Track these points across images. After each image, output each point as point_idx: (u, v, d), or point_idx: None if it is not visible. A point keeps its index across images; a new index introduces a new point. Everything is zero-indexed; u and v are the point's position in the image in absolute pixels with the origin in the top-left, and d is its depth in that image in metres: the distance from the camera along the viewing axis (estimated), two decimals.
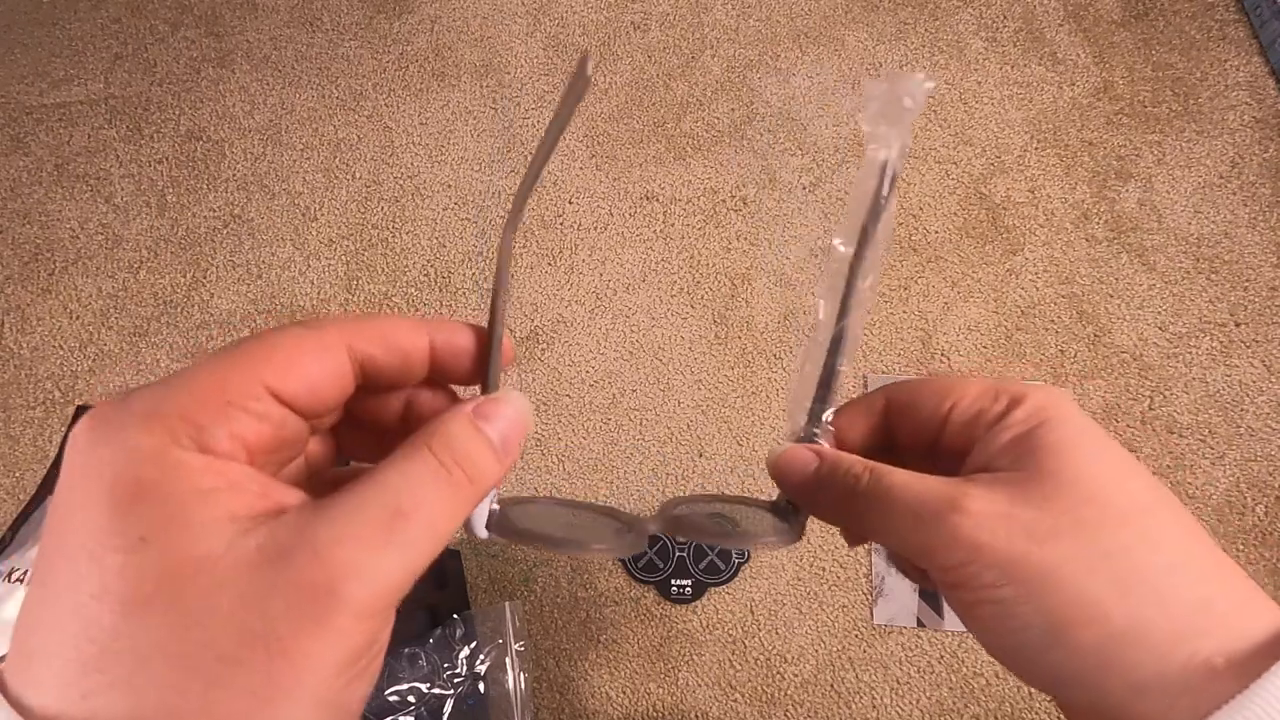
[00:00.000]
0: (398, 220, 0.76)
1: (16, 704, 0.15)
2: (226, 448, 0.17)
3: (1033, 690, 0.56)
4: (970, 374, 0.24)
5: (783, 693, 0.57)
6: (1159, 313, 0.67)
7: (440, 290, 0.72)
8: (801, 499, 0.26)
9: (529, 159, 0.78)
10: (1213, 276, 0.68)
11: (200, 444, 0.16)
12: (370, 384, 0.21)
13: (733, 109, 0.79)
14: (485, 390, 0.23)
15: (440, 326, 0.22)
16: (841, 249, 0.24)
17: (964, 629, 0.57)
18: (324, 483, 0.22)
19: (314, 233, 0.76)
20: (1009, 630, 0.20)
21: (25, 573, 0.59)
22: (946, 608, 0.58)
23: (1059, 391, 0.23)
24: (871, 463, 0.23)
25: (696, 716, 0.57)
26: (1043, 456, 0.21)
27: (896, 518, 0.22)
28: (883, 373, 0.66)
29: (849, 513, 0.24)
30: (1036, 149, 0.75)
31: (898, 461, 0.23)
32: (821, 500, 0.25)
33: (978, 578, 0.20)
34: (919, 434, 0.25)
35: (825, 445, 0.26)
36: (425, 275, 0.73)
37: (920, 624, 0.58)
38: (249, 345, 0.18)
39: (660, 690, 0.57)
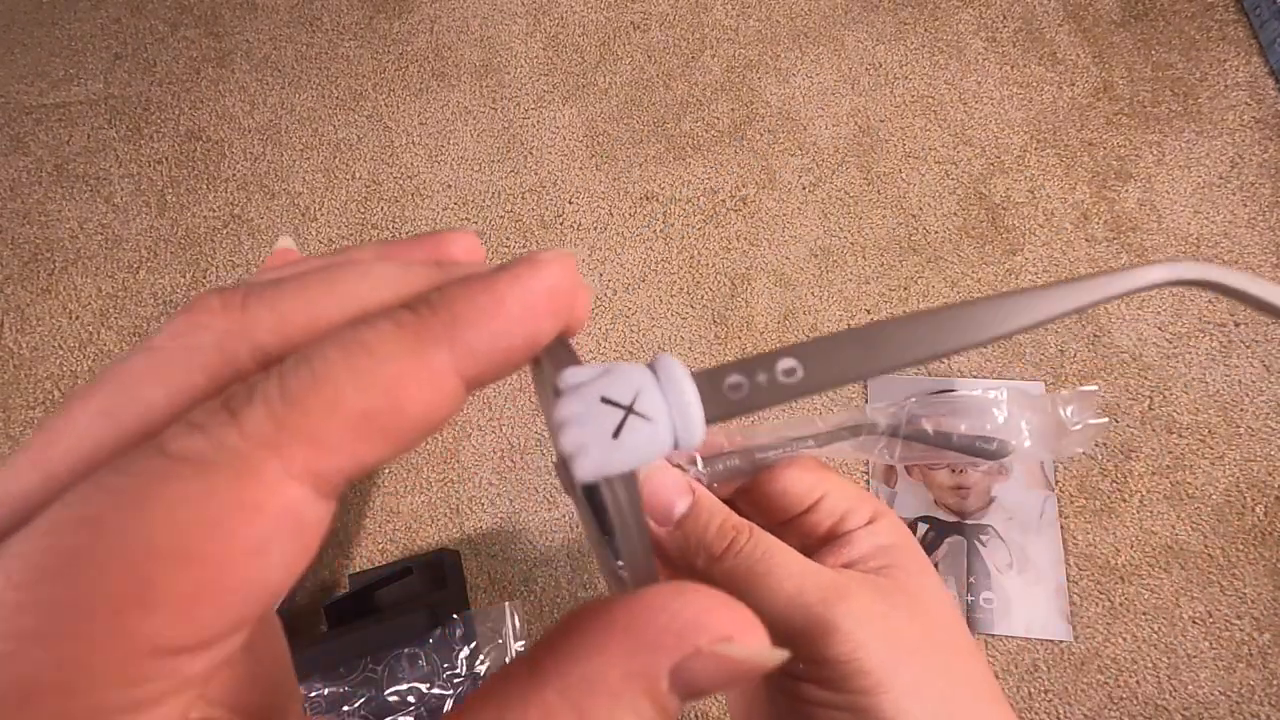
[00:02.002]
0: (398, 220, 0.76)
1: None
2: None
3: (1032, 691, 0.56)
4: (830, 468, 0.23)
5: None
6: (1159, 313, 0.67)
7: None
8: (655, 539, 0.22)
9: (528, 160, 0.78)
10: None
11: None
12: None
13: (733, 109, 0.79)
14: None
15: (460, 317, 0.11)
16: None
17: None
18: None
19: (314, 233, 0.76)
20: None
21: None
22: None
23: (900, 520, 0.23)
24: (748, 521, 0.21)
25: (697, 716, 0.57)
26: (903, 575, 0.21)
27: (774, 589, 0.20)
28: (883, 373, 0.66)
29: (713, 572, 0.21)
30: (1036, 149, 0.74)
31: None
32: (681, 548, 0.21)
33: (850, 680, 0.19)
34: (774, 508, 0.23)
35: (698, 483, 0.22)
36: None
37: None
38: (79, 561, 0.08)
39: None
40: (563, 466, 0.18)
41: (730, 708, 0.24)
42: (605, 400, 0.11)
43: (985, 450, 0.23)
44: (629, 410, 0.11)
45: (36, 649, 0.08)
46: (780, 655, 0.11)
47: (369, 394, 0.10)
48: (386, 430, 0.10)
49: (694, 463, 0.23)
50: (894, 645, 0.19)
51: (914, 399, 0.24)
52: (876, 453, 0.24)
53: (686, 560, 0.21)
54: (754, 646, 0.11)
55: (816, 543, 0.22)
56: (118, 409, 0.10)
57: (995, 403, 0.24)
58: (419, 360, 0.10)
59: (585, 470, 0.11)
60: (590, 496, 0.17)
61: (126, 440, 0.10)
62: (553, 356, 0.12)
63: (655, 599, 0.11)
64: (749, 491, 0.24)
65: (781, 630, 0.20)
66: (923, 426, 0.24)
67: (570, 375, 0.11)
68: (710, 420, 0.12)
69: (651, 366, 0.12)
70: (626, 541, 0.12)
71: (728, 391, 0.12)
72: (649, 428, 0.11)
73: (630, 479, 0.11)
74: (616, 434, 0.11)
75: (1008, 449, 0.23)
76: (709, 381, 0.12)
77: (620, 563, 0.13)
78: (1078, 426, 0.23)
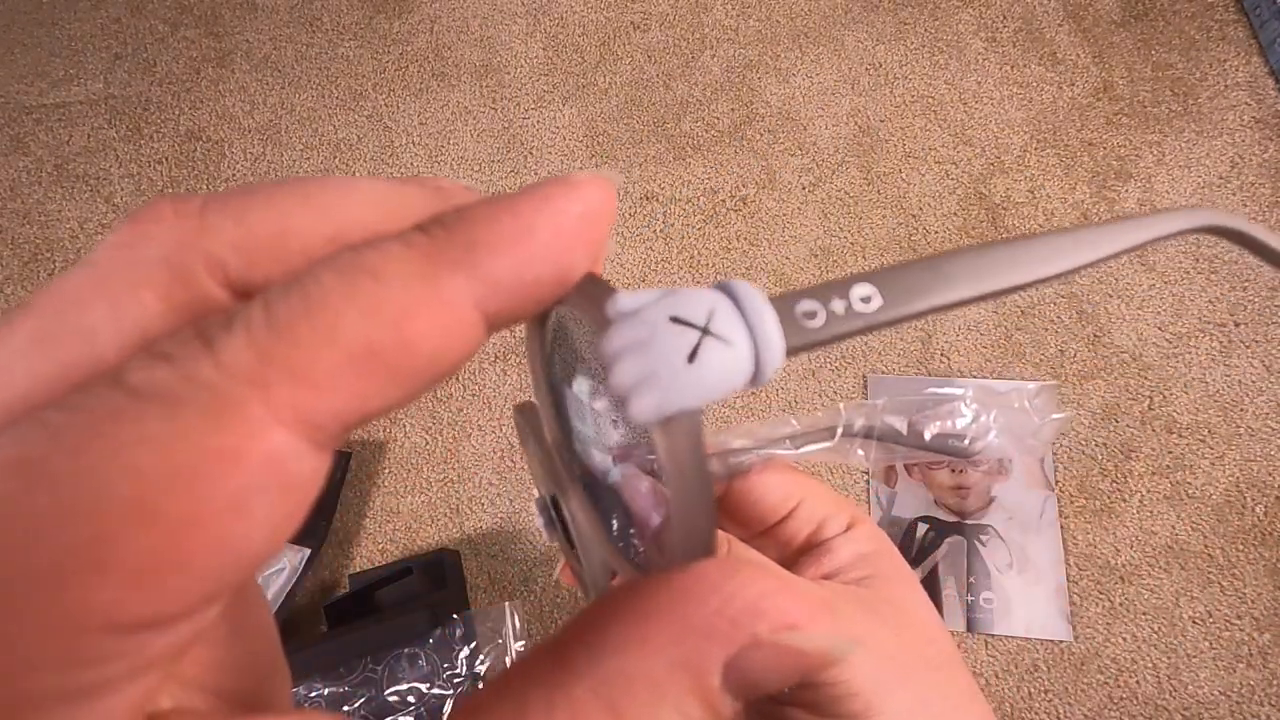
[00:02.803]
0: None
1: None
2: None
3: (1032, 691, 0.56)
4: (804, 473, 0.22)
5: None
6: (1159, 313, 0.67)
7: None
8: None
9: (528, 160, 0.78)
10: (1212, 276, 0.68)
11: None
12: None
13: (733, 109, 0.79)
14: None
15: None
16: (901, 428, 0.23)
17: (962, 629, 0.58)
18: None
19: None
20: None
21: None
22: (945, 606, 0.58)
23: (878, 527, 0.22)
24: (727, 535, 0.20)
25: None
26: (887, 585, 0.20)
27: None
28: (883, 373, 0.66)
29: None
30: (1036, 149, 0.75)
31: None
32: (655, 563, 0.20)
33: (840, 703, 0.17)
34: (750, 518, 0.22)
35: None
36: None
37: None
38: (52, 510, 0.07)
39: None
40: (551, 473, 0.16)
41: None
42: (676, 320, 0.09)
43: (956, 449, 0.23)
44: (705, 331, 0.09)
45: None
46: (851, 647, 0.10)
47: (373, 324, 0.08)
48: (393, 369, 0.08)
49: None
50: (883, 665, 0.18)
51: (885, 399, 0.24)
52: (851, 455, 0.24)
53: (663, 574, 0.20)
54: (823, 636, 0.09)
55: (795, 553, 0.21)
56: (54, 335, 0.08)
57: (962, 400, 0.23)
58: (433, 287, 0.08)
59: (649, 405, 0.09)
60: (592, 488, 0.15)
61: (68, 373, 0.08)
62: (584, 293, 0.10)
63: (707, 577, 0.09)
64: (724, 500, 0.22)
65: None
66: (895, 427, 0.23)
67: (625, 299, 0.10)
68: (790, 351, 0.10)
69: (722, 288, 0.10)
70: (684, 504, 0.10)
71: (801, 319, 0.11)
72: (728, 352, 0.09)
73: (698, 419, 0.10)
74: (692, 358, 0.09)
75: (975, 448, 0.23)
76: (784, 306, 0.11)
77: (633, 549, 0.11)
78: (1045, 422, 0.23)
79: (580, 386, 0.15)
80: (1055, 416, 0.23)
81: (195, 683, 0.10)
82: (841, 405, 0.23)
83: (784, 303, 0.11)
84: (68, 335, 0.08)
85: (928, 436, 0.23)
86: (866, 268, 0.74)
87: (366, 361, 0.08)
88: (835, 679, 0.17)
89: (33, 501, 0.07)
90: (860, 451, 0.23)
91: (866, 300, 0.11)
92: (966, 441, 0.23)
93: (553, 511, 0.18)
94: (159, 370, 0.07)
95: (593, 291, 0.10)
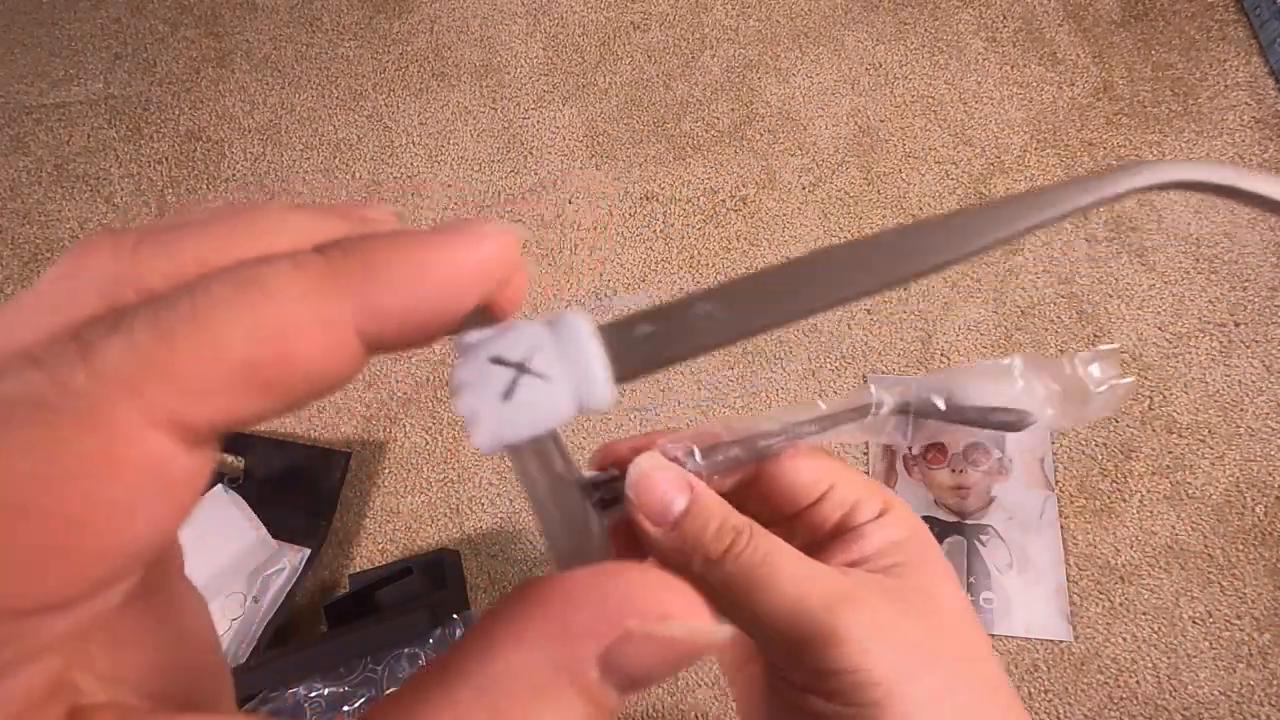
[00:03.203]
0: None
1: None
2: None
3: (1032, 691, 0.56)
4: (837, 458, 0.22)
5: None
6: (1159, 313, 0.67)
7: None
8: (652, 540, 0.20)
9: (528, 160, 0.78)
10: (1212, 276, 0.68)
11: None
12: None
13: (733, 109, 0.79)
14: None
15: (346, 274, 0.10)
16: (939, 404, 0.21)
17: None
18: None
19: None
20: None
21: None
22: None
23: (912, 511, 0.22)
24: (750, 520, 0.20)
25: (696, 716, 0.57)
26: (916, 573, 0.20)
27: (775, 596, 0.18)
28: (883, 372, 0.66)
29: (711, 576, 0.19)
30: (1036, 149, 0.75)
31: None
32: (680, 550, 0.19)
33: (858, 691, 0.17)
34: (780, 501, 0.21)
35: (698, 478, 0.20)
36: None
37: None
38: None
39: (660, 690, 0.57)
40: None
41: (736, 700, 0.23)
42: (496, 360, 0.10)
43: (1004, 422, 0.21)
44: (520, 369, 0.10)
45: None
46: (726, 631, 0.10)
47: (255, 338, 0.08)
48: (270, 382, 0.09)
49: (691, 455, 0.21)
50: (906, 654, 0.18)
51: (921, 376, 0.23)
52: (886, 434, 0.22)
53: (684, 563, 0.20)
54: (694, 624, 0.10)
55: (825, 537, 0.21)
56: None
57: (1010, 370, 0.21)
58: (317, 308, 0.09)
59: (481, 439, 0.10)
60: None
61: None
62: (461, 327, 0.10)
63: (580, 580, 0.10)
64: (753, 485, 0.22)
65: (783, 639, 0.19)
66: (933, 402, 0.22)
67: (468, 336, 0.10)
68: (622, 378, 0.11)
69: (549, 322, 0.10)
70: (545, 520, 0.11)
71: (639, 343, 0.11)
72: (545, 387, 0.10)
73: (540, 447, 0.10)
74: (508, 396, 0.10)
75: (1028, 419, 0.21)
76: (618, 334, 0.11)
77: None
78: (1103, 389, 0.21)
79: None
80: (1117, 381, 0.21)
81: (126, 683, 0.10)
82: (872, 385, 0.22)
83: (619, 330, 0.11)
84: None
85: (969, 411, 0.21)
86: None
87: (244, 373, 0.08)
88: (855, 666, 0.17)
89: None
90: (897, 431, 0.22)
91: (707, 318, 0.11)
92: (1013, 416, 0.21)
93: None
94: (32, 377, 0.08)
95: (461, 326, 0.10)
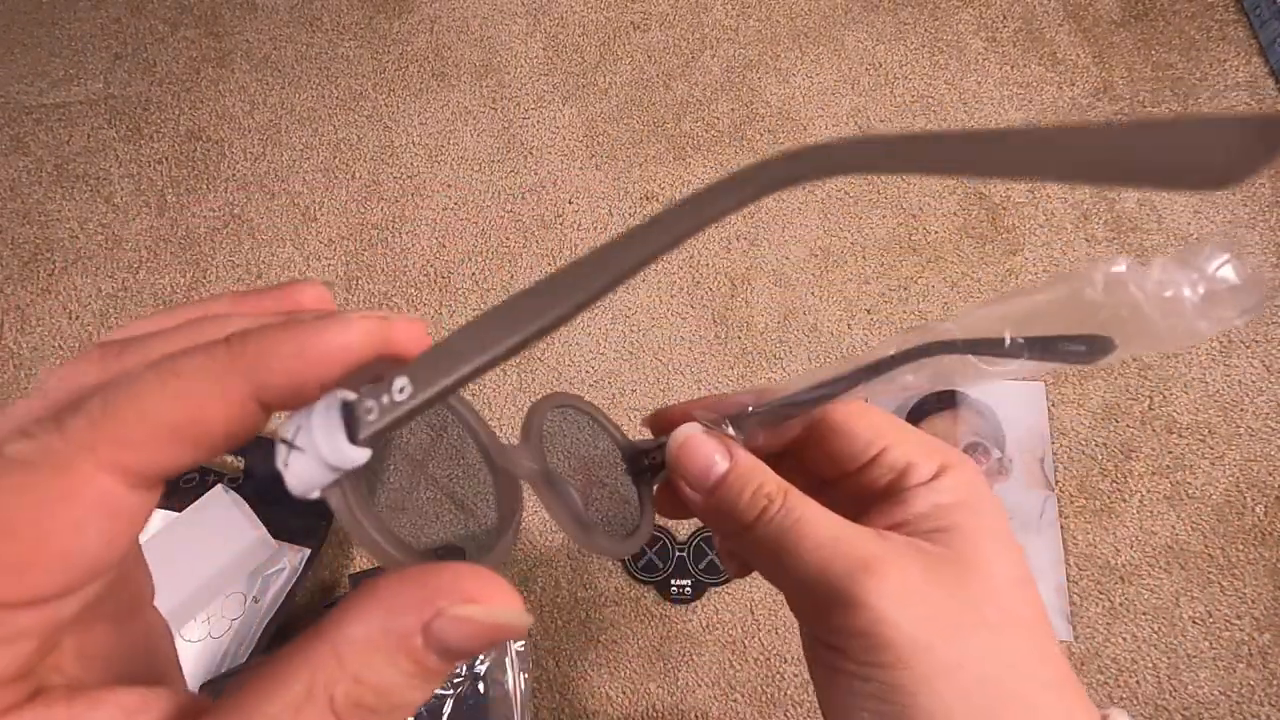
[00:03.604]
0: (398, 220, 0.76)
1: None
2: None
3: None
4: (896, 420, 0.22)
5: (783, 693, 0.57)
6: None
7: (440, 290, 0.72)
8: (693, 504, 0.22)
9: (528, 160, 0.78)
10: None
11: None
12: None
13: (733, 109, 0.79)
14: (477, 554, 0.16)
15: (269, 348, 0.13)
16: (958, 333, 0.18)
17: None
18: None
19: (314, 233, 0.76)
20: (878, 715, 0.18)
21: None
22: None
23: (978, 471, 0.22)
24: (786, 484, 0.21)
25: (696, 716, 0.57)
26: (960, 539, 0.20)
27: (801, 559, 0.19)
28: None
29: (744, 539, 0.21)
30: None
31: (789, 477, 0.21)
32: (717, 513, 0.21)
33: (874, 652, 0.18)
34: (832, 461, 0.22)
35: (738, 444, 0.21)
36: (425, 275, 0.73)
37: None
38: None
39: (660, 690, 0.57)
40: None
41: (806, 657, 0.23)
42: (281, 439, 0.13)
43: (1076, 353, 0.17)
44: (290, 445, 0.13)
45: None
46: (525, 620, 0.13)
47: (173, 407, 0.12)
48: (192, 438, 0.12)
49: (724, 423, 0.21)
50: (927, 621, 0.18)
51: (971, 305, 0.19)
52: (939, 378, 0.19)
53: (722, 526, 0.21)
54: (494, 610, 0.12)
55: (874, 498, 0.21)
56: None
57: (1088, 279, 0.17)
58: (220, 384, 0.12)
59: (291, 490, 0.13)
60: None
61: None
62: (348, 380, 0.13)
63: (411, 573, 0.12)
64: (803, 446, 0.23)
65: (810, 600, 0.20)
66: (996, 335, 0.18)
67: (293, 414, 0.13)
68: (361, 442, 0.13)
69: (320, 402, 0.13)
70: (358, 540, 0.14)
71: (366, 415, 0.13)
72: (302, 458, 0.13)
73: (336, 493, 0.13)
74: (285, 465, 0.13)
75: (1109, 346, 0.17)
76: (354, 408, 0.13)
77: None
78: (1224, 286, 0.15)
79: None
80: (1232, 277, 0.15)
81: (89, 668, 0.13)
82: (919, 327, 0.19)
83: (354, 404, 0.13)
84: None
85: (1042, 340, 0.17)
86: (866, 267, 0.74)
87: (172, 433, 0.12)
88: (872, 631, 0.18)
89: None
90: (945, 366, 0.19)
91: (403, 390, 0.13)
92: (1084, 345, 0.17)
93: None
94: (24, 443, 0.11)
95: (349, 380, 0.13)
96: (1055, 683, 0.19)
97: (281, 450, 0.13)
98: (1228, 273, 0.15)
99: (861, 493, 0.22)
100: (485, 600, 0.12)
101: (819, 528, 0.20)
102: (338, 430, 0.13)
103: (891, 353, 0.19)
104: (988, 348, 0.18)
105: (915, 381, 0.19)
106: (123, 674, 0.14)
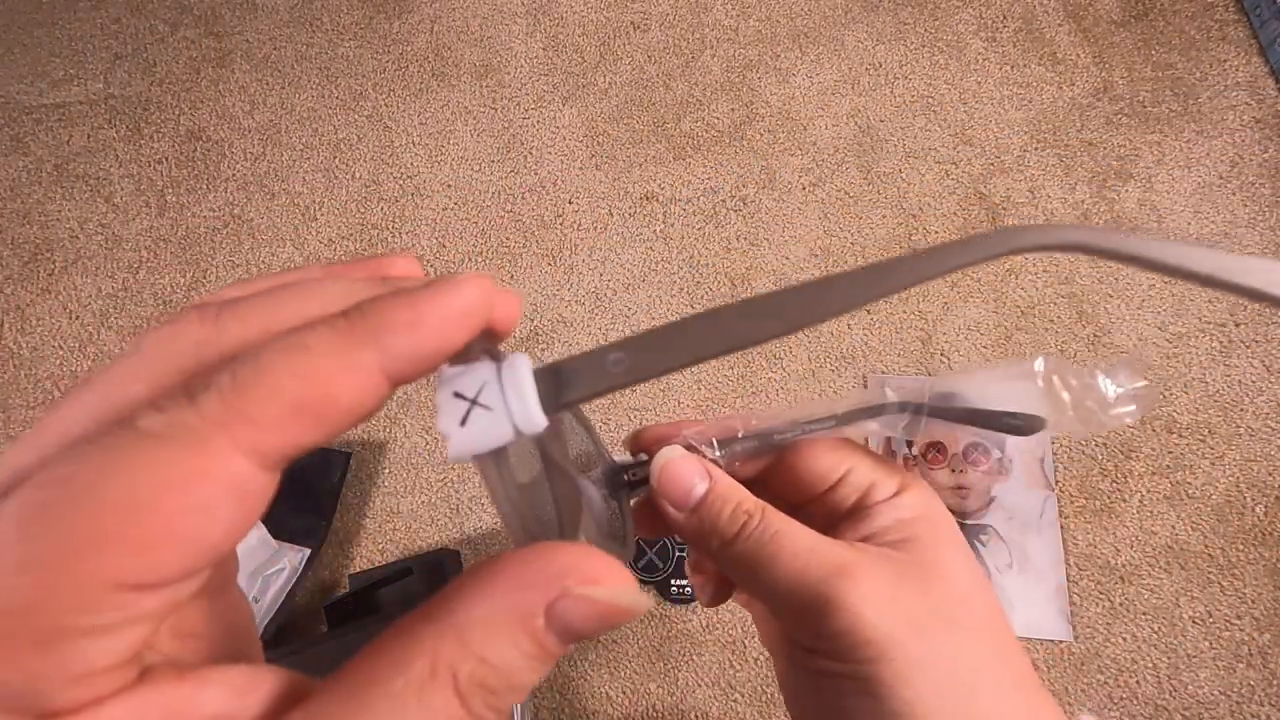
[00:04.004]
0: (398, 220, 0.76)
1: None
2: (84, 695, 0.11)
3: None
4: (857, 445, 0.24)
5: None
6: (1159, 313, 0.67)
7: None
8: (676, 521, 0.23)
9: (528, 160, 0.78)
10: None
11: (39, 712, 0.10)
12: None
13: (733, 109, 0.79)
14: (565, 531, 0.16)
15: (386, 325, 0.13)
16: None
17: None
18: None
19: (314, 233, 0.76)
20: (859, 708, 0.20)
21: None
22: None
23: (931, 490, 0.23)
24: (762, 502, 0.22)
25: (696, 716, 0.57)
26: (922, 548, 0.21)
27: (780, 569, 0.21)
28: (883, 372, 0.66)
29: (725, 554, 0.22)
30: (1036, 149, 0.74)
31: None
32: (700, 530, 0.22)
33: (855, 649, 0.20)
34: (800, 487, 0.24)
35: (717, 466, 0.23)
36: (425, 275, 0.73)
37: None
38: (63, 509, 0.10)
39: (660, 690, 0.57)
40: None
41: (777, 674, 0.25)
42: (456, 394, 0.13)
43: (1014, 426, 0.22)
44: (473, 402, 0.13)
45: (13, 577, 0.10)
46: (644, 602, 0.13)
47: (304, 384, 0.11)
48: (319, 416, 0.12)
49: (711, 445, 0.23)
50: (900, 619, 0.20)
51: (938, 376, 0.23)
52: (900, 430, 0.23)
53: (703, 542, 0.22)
54: (616, 590, 0.12)
55: (841, 517, 0.23)
56: (106, 400, 0.12)
57: (1032, 374, 0.22)
58: (348, 358, 0.12)
59: (451, 453, 0.13)
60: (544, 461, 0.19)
61: (108, 425, 0.11)
62: (462, 353, 0.13)
63: (533, 552, 0.13)
64: (774, 470, 0.24)
65: (790, 607, 0.21)
66: (949, 402, 0.23)
67: (444, 370, 0.13)
68: (551, 409, 0.13)
69: (499, 363, 0.13)
70: (503, 512, 0.13)
71: (564, 382, 0.14)
72: (489, 416, 0.13)
73: (496, 457, 0.13)
74: (464, 423, 0.13)
75: (1039, 424, 0.21)
76: (549, 375, 0.14)
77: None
78: (1122, 394, 0.21)
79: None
80: (1134, 388, 0.21)
81: (185, 646, 0.13)
82: (886, 385, 0.23)
83: (551, 370, 0.14)
84: (114, 400, 0.12)
85: (979, 413, 0.22)
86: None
87: (300, 410, 0.11)
88: (850, 629, 0.20)
89: (64, 502, 0.10)
90: (907, 430, 0.23)
91: (618, 363, 0.14)
92: (1021, 420, 0.22)
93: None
94: (157, 417, 0.11)
95: (465, 351, 0.13)
96: (1015, 676, 0.21)
97: (456, 407, 0.13)
98: (1138, 386, 0.21)
99: (830, 512, 0.23)
100: (607, 581, 0.12)
101: (796, 540, 0.21)
102: (530, 392, 0.13)
103: (868, 405, 0.23)
104: (941, 414, 0.22)
105: (879, 429, 0.23)
106: (215, 652, 0.14)
